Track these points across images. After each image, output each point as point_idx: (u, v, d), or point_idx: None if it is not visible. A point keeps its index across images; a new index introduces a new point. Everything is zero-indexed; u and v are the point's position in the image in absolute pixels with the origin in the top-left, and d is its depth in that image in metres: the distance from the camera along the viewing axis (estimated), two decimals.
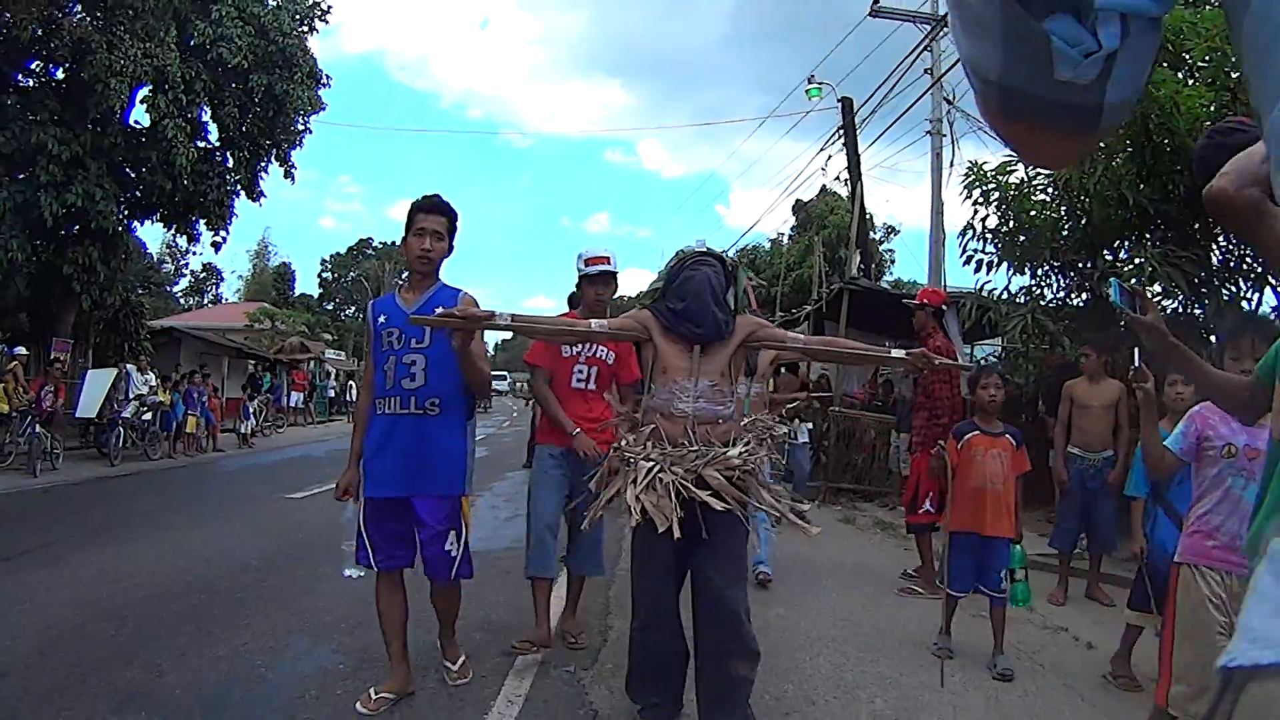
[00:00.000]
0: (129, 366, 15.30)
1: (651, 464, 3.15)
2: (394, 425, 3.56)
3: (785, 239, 32.32)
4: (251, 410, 20.05)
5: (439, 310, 3.26)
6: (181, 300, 54.95)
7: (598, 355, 4.40)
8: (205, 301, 55.00)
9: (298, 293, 59.76)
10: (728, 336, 3.41)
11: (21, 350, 13.65)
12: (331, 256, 66.45)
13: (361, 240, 65.85)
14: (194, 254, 50.77)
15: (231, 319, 37.04)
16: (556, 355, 4.39)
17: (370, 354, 3.73)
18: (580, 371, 4.39)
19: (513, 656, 4.16)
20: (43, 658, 4.03)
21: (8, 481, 10.73)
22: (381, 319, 3.67)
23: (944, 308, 6.55)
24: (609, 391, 4.41)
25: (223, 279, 57.65)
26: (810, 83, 16.90)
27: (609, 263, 4.42)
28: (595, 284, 4.39)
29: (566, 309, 5.44)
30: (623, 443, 3.40)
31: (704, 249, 3.62)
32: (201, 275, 55.41)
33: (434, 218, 3.63)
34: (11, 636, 4.33)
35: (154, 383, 15.58)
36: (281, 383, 26.63)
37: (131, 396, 14.67)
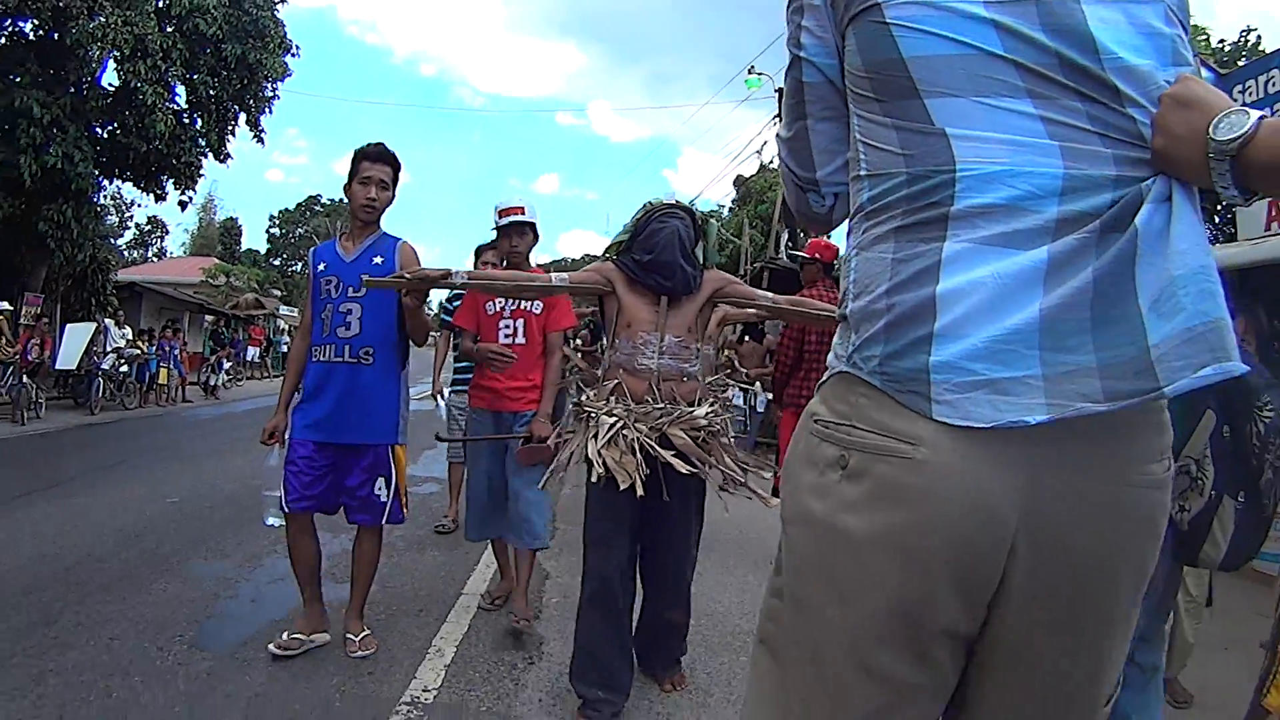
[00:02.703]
0: (107, 321, 16.05)
1: (614, 420, 3.08)
2: (329, 373, 3.57)
3: (725, 211, 33.36)
4: (226, 365, 20.90)
5: (394, 272, 3.38)
6: (126, 253, 54.06)
7: (523, 307, 4.16)
8: (149, 255, 54.18)
9: (244, 248, 59.35)
10: (695, 291, 3.31)
11: (5, 305, 14.31)
12: (280, 212, 65.80)
13: (310, 197, 65.21)
14: (139, 206, 49.90)
15: (185, 274, 37.09)
16: (480, 313, 4.22)
17: (309, 301, 3.74)
18: (507, 326, 4.16)
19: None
20: (56, 580, 4.58)
21: None
22: (321, 266, 3.68)
23: (835, 264, 5.91)
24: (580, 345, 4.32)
25: (168, 232, 56.88)
26: (750, 74, 17.95)
27: (523, 213, 4.21)
28: (509, 234, 4.20)
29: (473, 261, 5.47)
30: (583, 398, 3.32)
31: (673, 201, 3.49)
32: (146, 228, 54.55)
33: (379, 166, 3.63)
34: (41, 559, 4.97)
35: (129, 336, 16.41)
36: (241, 338, 27.35)
37: (109, 349, 15.49)
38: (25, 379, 12.97)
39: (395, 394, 3.68)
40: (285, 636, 3.56)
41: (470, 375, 4.55)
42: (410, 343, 3.79)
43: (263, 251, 62.30)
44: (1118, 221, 0.98)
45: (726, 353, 9.39)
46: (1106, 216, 0.99)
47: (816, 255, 5.86)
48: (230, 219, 58.57)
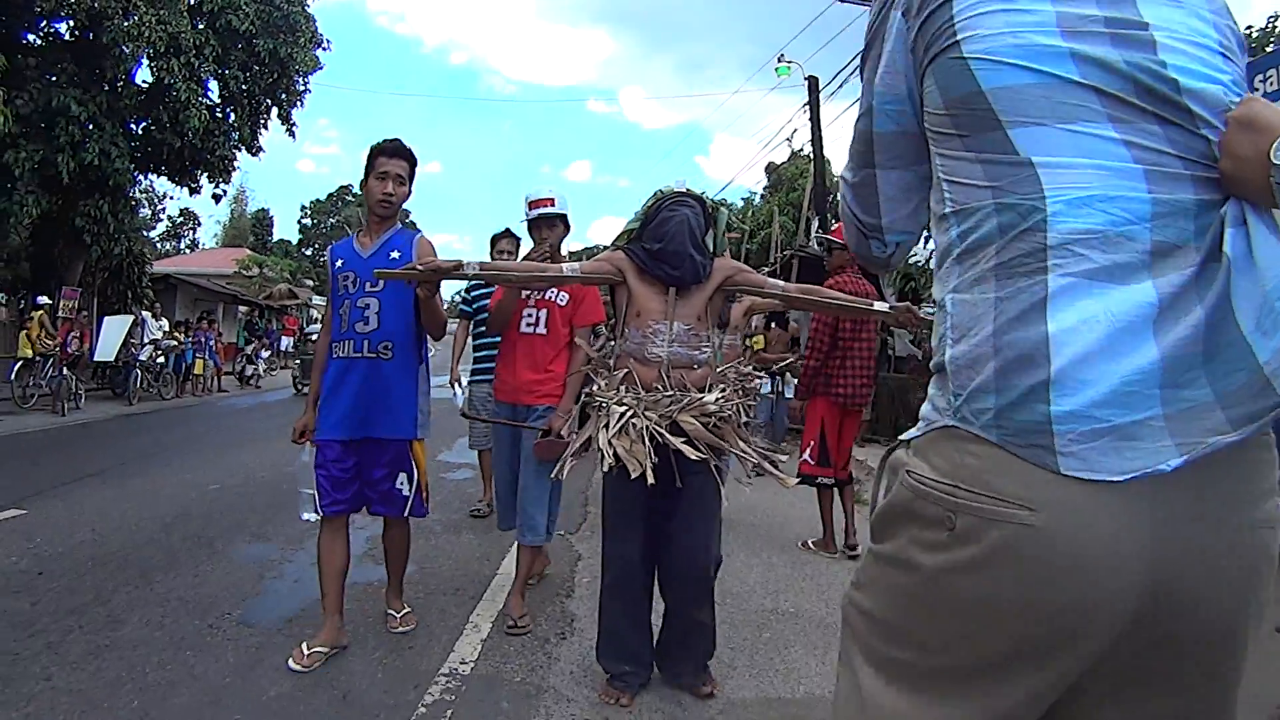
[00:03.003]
0: (144, 313, 16.39)
1: (624, 409, 3.10)
2: (347, 368, 3.56)
3: (757, 198, 33.33)
4: (264, 355, 21.27)
5: (407, 265, 3.34)
6: (159, 245, 54.70)
7: (548, 297, 4.04)
8: (182, 247, 54.87)
9: (276, 238, 59.92)
10: (705, 279, 3.29)
11: (45, 300, 14.64)
12: (311, 203, 66.36)
13: (341, 187, 65.63)
14: (172, 199, 50.54)
15: (219, 265, 37.66)
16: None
17: (330, 298, 3.75)
18: (529, 315, 4.06)
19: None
20: (107, 562, 4.79)
21: (39, 420, 11.82)
22: (339, 263, 3.66)
23: None
24: (580, 335, 3.92)
25: (200, 224, 57.58)
26: (780, 62, 17.92)
27: (552, 204, 4.14)
28: (538, 227, 4.15)
29: (489, 251, 5.44)
30: (594, 387, 3.33)
31: (683, 189, 3.47)
32: (179, 220, 55.21)
33: (396, 161, 3.59)
34: (91, 543, 5.21)
35: (166, 328, 16.76)
36: (275, 328, 27.76)
37: (146, 341, 15.81)
38: (65, 371, 13.29)
39: (414, 388, 3.66)
40: (306, 651, 3.46)
41: (487, 363, 4.62)
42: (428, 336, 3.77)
43: (294, 242, 62.84)
44: (1211, 253, 0.97)
45: (752, 340, 9.48)
46: (1202, 248, 0.98)
47: (843, 239, 5.36)
48: (261, 210, 59.23)
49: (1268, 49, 12.98)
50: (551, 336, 4.04)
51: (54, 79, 14.48)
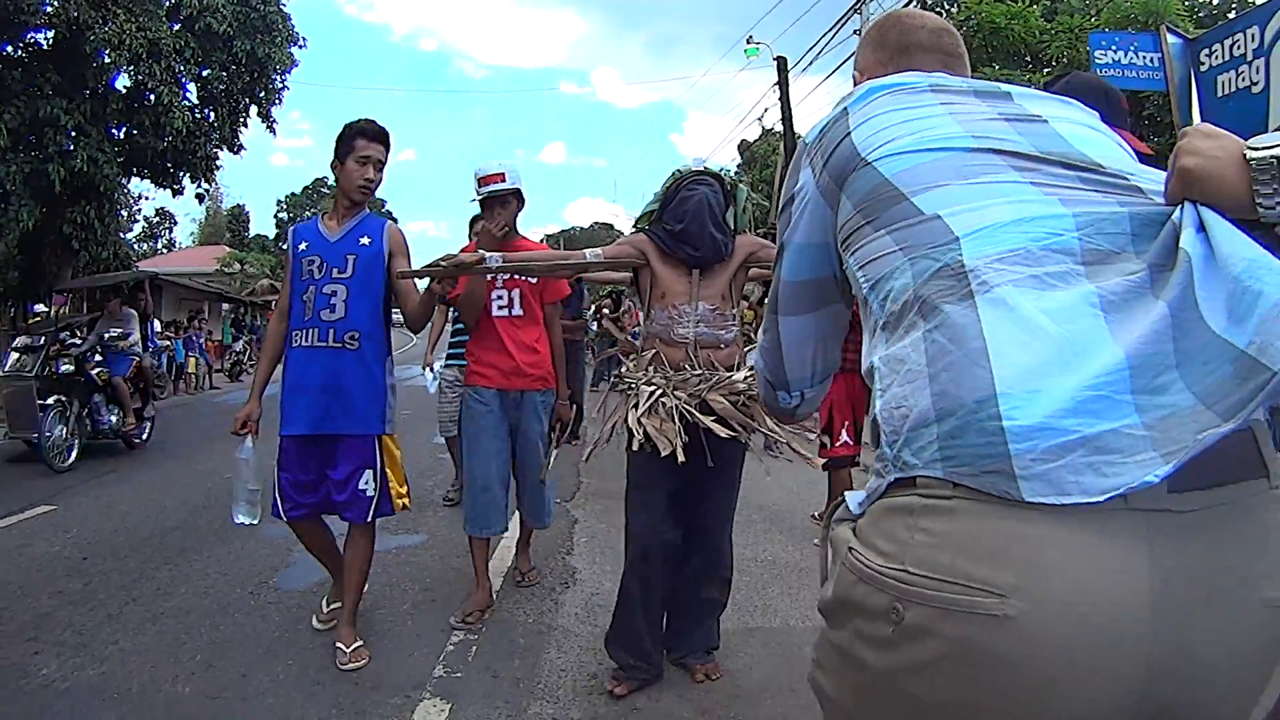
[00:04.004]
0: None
1: (654, 388, 3.10)
2: (311, 359, 3.37)
3: (732, 175, 33.67)
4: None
5: (439, 260, 3.19)
6: (136, 247, 54.31)
7: (515, 277, 3.89)
8: (159, 247, 54.69)
9: (253, 233, 59.75)
10: (727, 258, 3.28)
11: (41, 307, 14.95)
12: (287, 197, 66.23)
13: (317, 179, 65.51)
14: (147, 199, 50.26)
15: (199, 264, 37.83)
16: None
17: (288, 281, 3.53)
18: (500, 298, 3.94)
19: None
20: (143, 545, 5.39)
21: None
22: (302, 246, 3.47)
23: None
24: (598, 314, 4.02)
25: (176, 223, 57.45)
26: (749, 43, 18.34)
27: (503, 179, 3.88)
28: (490, 206, 3.91)
29: (468, 239, 5.30)
30: (622, 369, 3.36)
31: (701, 168, 3.45)
32: (155, 220, 54.96)
33: (377, 146, 3.44)
34: (123, 530, 5.73)
35: (158, 328, 17.10)
36: (260, 324, 28.07)
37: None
38: None
39: (381, 381, 3.48)
40: (325, 609, 3.77)
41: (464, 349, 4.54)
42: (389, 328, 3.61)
43: (271, 236, 62.65)
44: (1160, 257, 0.90)
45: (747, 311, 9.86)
46: (1146, 254, 0.91)
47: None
48: (237, 206, 58.96)
49: (1229, 16, 13.37)
50: (529, 316, 3.99)
51: (39, 90, 14.69)
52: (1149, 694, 0.84)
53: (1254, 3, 13.70)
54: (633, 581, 3.23)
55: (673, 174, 3.47)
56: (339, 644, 3.41)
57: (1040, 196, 1.00)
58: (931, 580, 0.88)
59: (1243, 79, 6.74)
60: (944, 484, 0.90)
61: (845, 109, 1.21)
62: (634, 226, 3.67)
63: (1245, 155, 0.89)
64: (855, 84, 1.39)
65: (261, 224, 65.33)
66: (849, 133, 1.16)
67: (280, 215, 65.41)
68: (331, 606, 3.69)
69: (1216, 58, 7.47)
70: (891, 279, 1.05)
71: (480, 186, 3.92)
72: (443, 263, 3.17)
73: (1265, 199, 0.87)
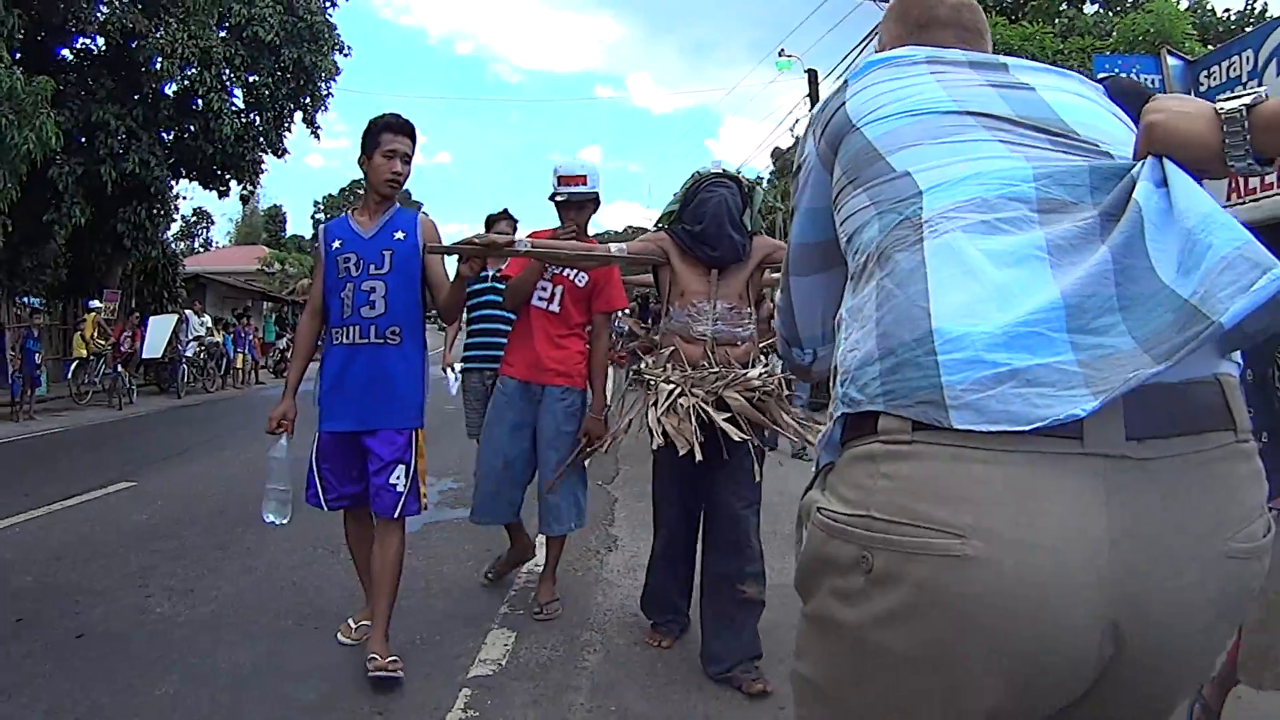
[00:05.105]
0: (188, 312, 17.41)
1: (672, 386, 3.17)
2: (352, 356, 3.34)
3: (765, 181, 33.92)
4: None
5: (471, 238, 3.24)
6: (173, 244, 54.51)
7: (564, 274, 3.82)
8: (195, 246, 55.54)
9: (289, 234, 60.81)
10: (745, 258, 3.37)
11: (96, 303, 15.66)
12: (325, 198, 66.93)
13: (353, 181, 66.03)
14: (186, 199, 50.77)
15: (240, 263, 38.86)
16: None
17: (320, 280, 3.49)
18: (544, 290, 3.84)
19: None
20: (214, 518, 5.64)
21: (96, 414, 12.91)
22: (336, 244, 3.42)
23: None
24: (626, 320, 3.82)
25: (213, 223, 58.31)
26: (780, 55, 18.58)
27: (584, 183, 3.81)
28: (569, 209, 3.82)
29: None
30: (642, 365, 3.44)
31: (720, 170, 3.50)
32: (192, 219, 55.81)
33: (404, 139, 3.39)
34: (193, 506, 6.09)
35: (209, 324, 17.81)
36: None
37: (191, 338, 16.85)
38: (120, 368, 14.36)
39: (420, 375, 3.47)
40: (354, 626, 3.59)
41: (480, 349, 4.73)
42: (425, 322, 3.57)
43: (307, 237, 63.24)
44: (1112, 207, 0.92)
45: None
46: (1101, 204, 0.93)
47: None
48: (274, 206, 59.83)
49: (1246, 30, 13.57)
50: (563, 315, 3.87)
51: (93, 94, 15.38)
52: (1109, 634, 0.87)
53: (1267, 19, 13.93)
54: (661, 561, 3.57)
55: (692, 175, 3.56)
56: (372, 654, 3.17)
57: (1006, 153, 1.04)
58: (894, 524, 0.91)
59: None
60: (903, 427, 0.93)
61: (845, 82, 1.26)
62: (655, 225, 3.79)
63: (1216, 110, 0.92)
64: None
65: (298, 224, 66.26)
66: (844, 103, 1.21)
67: (317, 216, 65.71)
68: (361, 623, 3.56)
69: (1215, 79, 7.87)
70: (861, 233, 1.10)
71: (560, 185, 3.82)
72: (476, 240, 3.26)
73: (1233, 149, 0.90)
